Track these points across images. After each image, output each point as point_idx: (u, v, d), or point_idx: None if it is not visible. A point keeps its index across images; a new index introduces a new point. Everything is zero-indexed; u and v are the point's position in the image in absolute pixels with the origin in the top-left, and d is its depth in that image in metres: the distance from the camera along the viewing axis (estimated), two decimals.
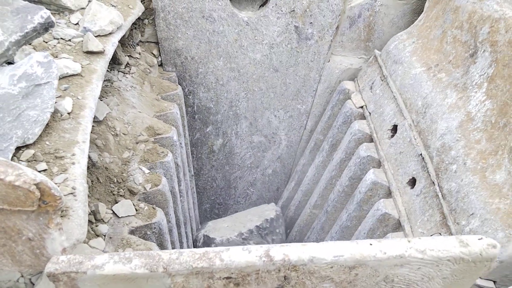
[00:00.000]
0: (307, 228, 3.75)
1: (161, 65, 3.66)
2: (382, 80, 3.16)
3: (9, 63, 2.05)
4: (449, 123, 2.41)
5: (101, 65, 2.48)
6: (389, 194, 2.73)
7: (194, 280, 1.41)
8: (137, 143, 2.87)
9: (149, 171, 2.72)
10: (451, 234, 2.14)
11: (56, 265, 1.31)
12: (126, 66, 3.24)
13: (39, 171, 1.76)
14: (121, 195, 2.50)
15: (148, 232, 2.47)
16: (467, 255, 1.36)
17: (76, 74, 2.31)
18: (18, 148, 1.80)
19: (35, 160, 1.80)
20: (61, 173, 1.75)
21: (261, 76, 3.76)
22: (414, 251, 1.35)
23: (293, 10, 3.29)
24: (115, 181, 2.60)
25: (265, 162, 4.58)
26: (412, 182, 2.58)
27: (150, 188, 2.63)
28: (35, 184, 1.22)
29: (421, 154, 2.53)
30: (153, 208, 2.53)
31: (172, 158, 2.91)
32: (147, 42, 3.55)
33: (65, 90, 2.17)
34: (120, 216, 2.38)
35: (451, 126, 2.39)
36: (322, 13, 3.31)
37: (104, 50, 2.55)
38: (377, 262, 1.38)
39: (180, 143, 3.49)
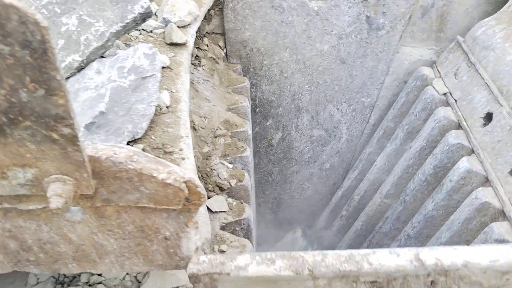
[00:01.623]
0: (377, 218, 3.60)
1: (226, 56, 3.57)
2: (469, 67, 2.98)
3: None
4: None
5: (185, 57, 2.40)
6: (484, 183, 2.57)
7: (337, 284, 1.30)
8: (215, 137, 2.79)
9: (231, 165, 2.63)
10: None
11: (198, 266, 1.22)
12: (195, 58, 3.16)
13: None
14: (210, 191, 2.43)
15: (237, 228, 2.39)
16: None
17: (166, 67, 2.23)
18: (127, 143, 1.73)
19: None
20: None
21: (327, 68, 3.63)
22: None
23: None
24: (200, 176, 2.52)
25: (324, 156, 4.45)
26: None
27: (234, 184, 2.54)
28: (184, 182, 1.13)
29: None
30: (241, 203, 2.44)
31: (251, 152, 2.82)
32: (213, 33, 3.46)
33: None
34: (214, 211, 2.31)
35: None
36: (396, 2, 3.16)
37: (186, 42, 2.46)
38: None
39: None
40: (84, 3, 1.84)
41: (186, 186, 1.14)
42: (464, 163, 2.59)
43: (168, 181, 1.11)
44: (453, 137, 2.76)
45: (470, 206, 2.44)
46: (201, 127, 2.77)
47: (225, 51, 3.52)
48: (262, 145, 4.29)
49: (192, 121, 2.74)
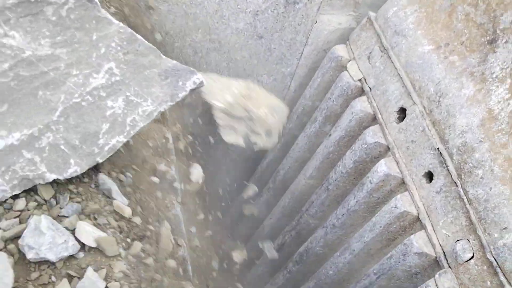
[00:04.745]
0: (303, 198, 3.68)
1: None
2: (382, 52, 2.95)
3: None
4: (469, 120, 2.31)
5: None
6: (401, 184, 2.68)
7: None
8: None
9: None
10: (481, 243, 2.14)
11: None
12: None
13: None
14: None
15: None
16: None
17: None
18: None
19: None
20: None
21: (244, 45, 3.48)
22: None
23: None
24: None
25: None
26: (429, 175, 2.53)
27: None
28: None
29: (438, 148, 2.45)
30: None
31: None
32: None
33: None
34: None
35: (472, 124, 2.29)
36: None
37: None
38: None
39: None
40: (131, 82, 1.72)
41: None
42: (383, 167, 2.66)
43: None
44: (370, 136, 2.80)
45: (390, 214, 2.55)
46: None
47: None
48: None
49: None
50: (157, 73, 1.79)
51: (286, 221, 3.82)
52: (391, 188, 2.69)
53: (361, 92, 3.10)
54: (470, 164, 2.25)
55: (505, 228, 2.04)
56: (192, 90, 1.85)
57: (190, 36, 3.32)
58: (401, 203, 2.52)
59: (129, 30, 1.76)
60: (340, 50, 3.32)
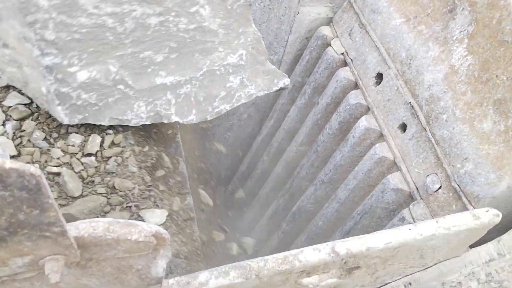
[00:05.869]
0: (295, 164, 4.08)
1: None
2: (361, 28, 3.35)
3: None
4: (435, 75, 2.71)
5: None
6: (380, 137, 3.07)
7: (277, 277, 1.71)
8: None
9: None
10: (447, 174, 2.54)
11: None
12: None
13: None
14: None
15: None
16: (479, 225, 1.72)
17: None
18: None
19: None
20: None
21: None
22: (442, 229, 1.69)
23: None
24: None
25: (241, 108, 4.80)
26: (403, 126, 2.92)
27: None
28: (152, 235, 1.41)
29: (410, 103, 2.84)
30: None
31: None
32: None
33: None
34: None
35: (437, 78, 2.69)
36: None
37: None
38: (416, 241, 1.71)
39: None
40: (248, 69, 2.28)
41: (154, 236, 1.44)
42: (363, 122, 3.06)
43: (140, 239, 1.39)
44: (353, 98, 3.20)
45: (370, 160, 2.95)
46: None
47: None
48: None
49: None
50: (261, 70, 2.35)
51: (280, 187, 4.20)
52: (371, 142, 3.08)
53: (344, 64, 3.50)
54: (437, 111, 2.65)
55: (465, 159, 2.44)
56: (280, 88, 2.42)
57: None
58: (380, 149, 2.92)
59: (259, 34, 2.34)
60: (325, 30, 3.71)
